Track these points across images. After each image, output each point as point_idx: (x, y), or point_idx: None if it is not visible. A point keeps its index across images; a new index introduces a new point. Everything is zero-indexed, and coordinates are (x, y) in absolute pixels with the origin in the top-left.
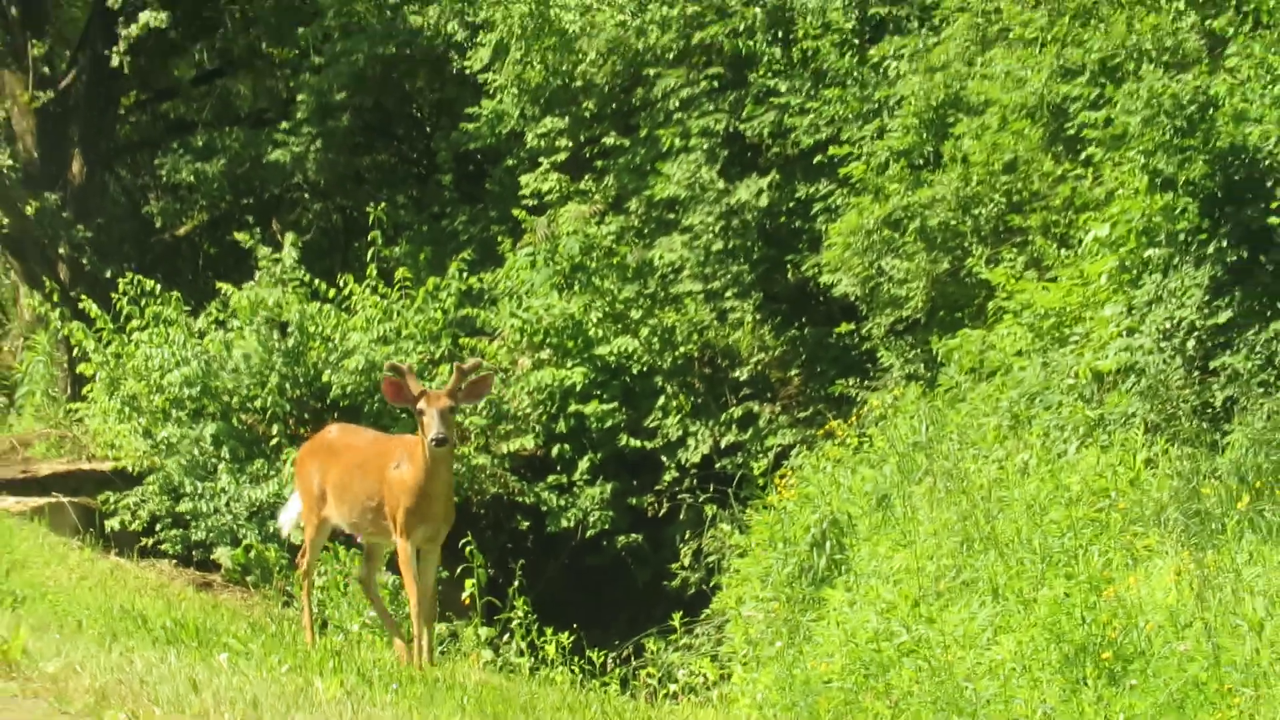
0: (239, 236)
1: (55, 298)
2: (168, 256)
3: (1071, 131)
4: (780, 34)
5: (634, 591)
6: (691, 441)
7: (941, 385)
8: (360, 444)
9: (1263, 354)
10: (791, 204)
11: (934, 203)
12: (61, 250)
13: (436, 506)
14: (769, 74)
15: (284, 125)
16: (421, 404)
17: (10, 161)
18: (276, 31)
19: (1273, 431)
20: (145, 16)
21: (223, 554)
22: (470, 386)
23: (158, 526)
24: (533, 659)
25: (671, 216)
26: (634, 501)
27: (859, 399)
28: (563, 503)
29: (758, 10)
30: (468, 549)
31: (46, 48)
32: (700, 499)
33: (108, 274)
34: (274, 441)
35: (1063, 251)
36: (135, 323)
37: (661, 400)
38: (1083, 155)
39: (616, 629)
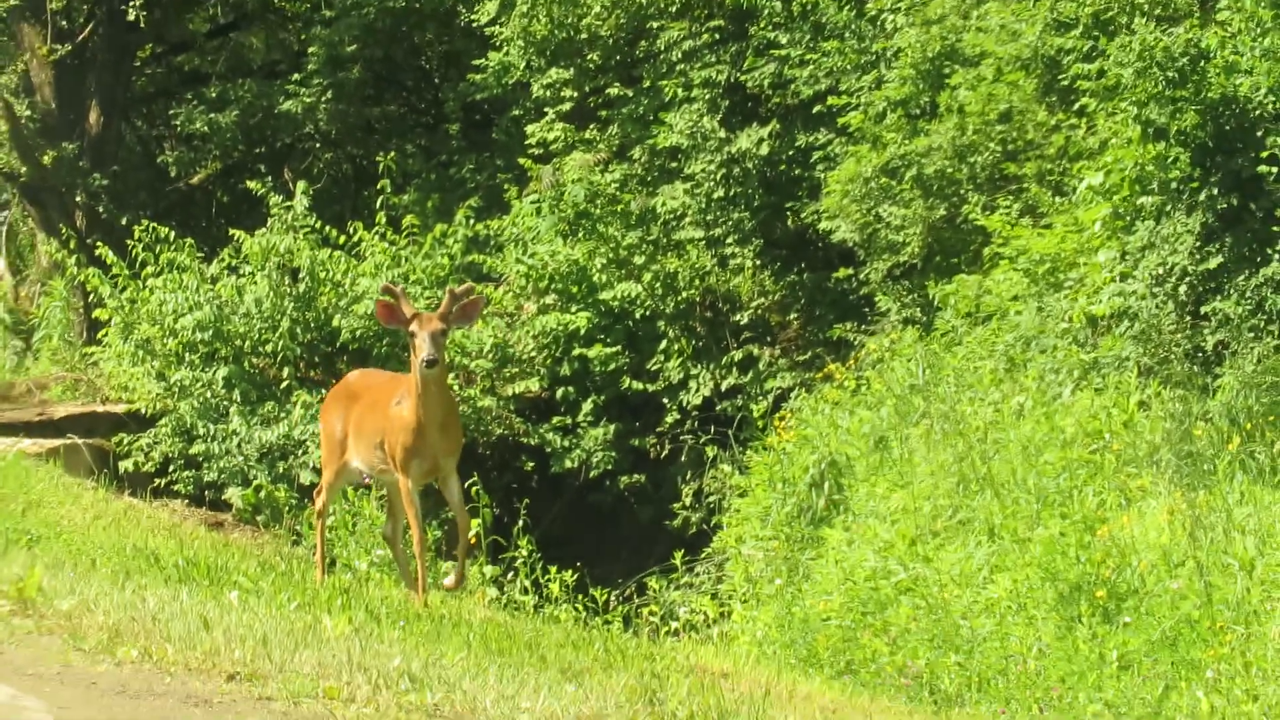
0: (251, 185)
1: (72, 244)
2: (182, 204)
3: (1065, 83)
4: None
5: (636, 531)
6: (693, 384)
7: (938, 329)
8: (375, 384)
9: (1253, 299)
10: (791, 153)
11: (930, 151)
12: (79, 198)
13: (432, 438)
14: (769, 26)
15: (295, 77)
16: (413, 326)
17: (29, 112)
18: None
19: (1263, 374)
20: None
21: (234, 494)
22: (461, 309)
23: (170, 467)
24: (537, 597)
25: (674, 165)
26: (636, 443)
27: (857, 342)
28: (566, 444)
29: None
30: (474, 489)
31: (65, 1)
32: (701, 440)
33: (123, 221)
34: (284, 384)
35: (1057, 199)
36: (150, 269)
37: (664, 344)
38: (1076, 106)
39: (619, 568)
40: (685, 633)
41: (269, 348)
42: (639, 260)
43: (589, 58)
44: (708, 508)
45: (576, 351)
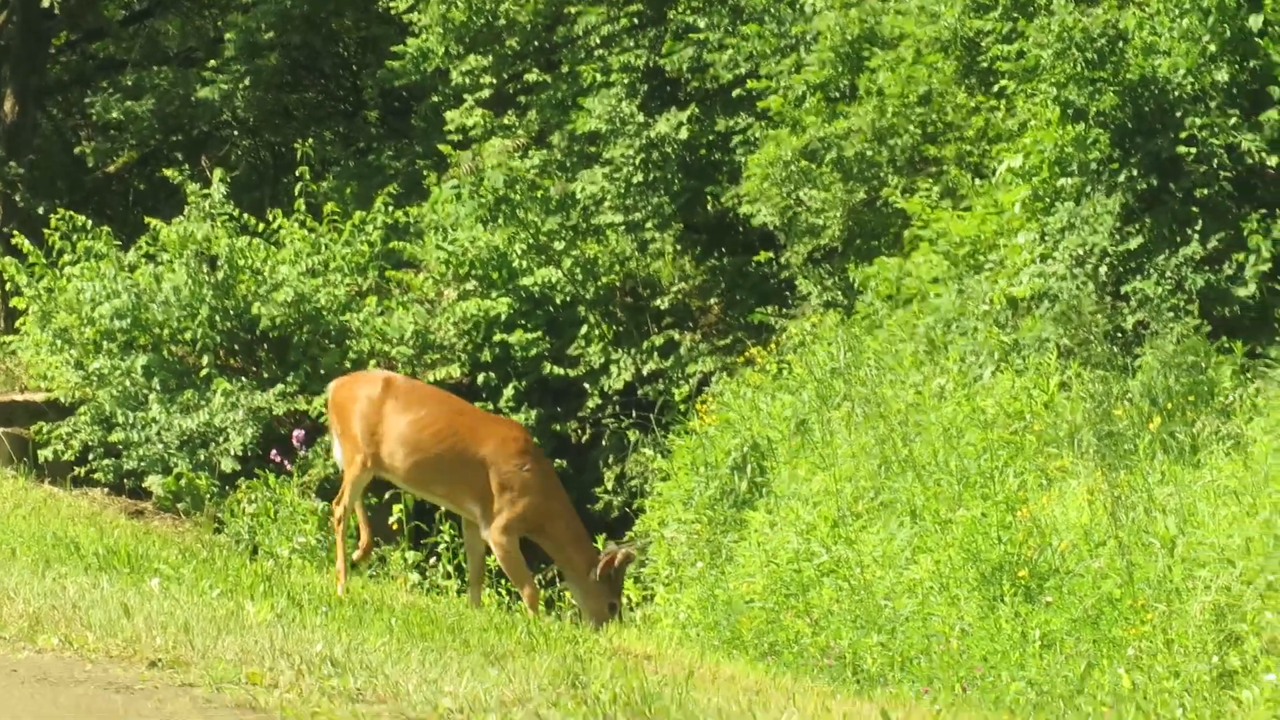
0: (168, 173)
1: None
2: (99, 193)
3: (984, 64)
4: None
5: None
6: (614, 369)
7: (859, 312)
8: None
9: (1172, 279)
10: (711, 137)
11: (850, 134)
12: None
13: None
14: (688, 10)
15: (212, 63)
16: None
17: None
18: None
19: (1183, 354)
20: None
21: (154, 482)
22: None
23: (90, 456)
24: (459, 581)
25: (593, 150)
26: (558, 428)
27: (778, 326)
28: None
29: None
30: None
31: None
32: (623, 425)
33: (40, 210)
34: (204, 372)
35: (977, 181)
36: (67, 257)
37: (584, 329)
38: (995, 88)
39: (541, 552)
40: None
41: (188, 336)
42: (559, 246)
43: (507, 44)
44: (630, 492)
45: (497, 337)
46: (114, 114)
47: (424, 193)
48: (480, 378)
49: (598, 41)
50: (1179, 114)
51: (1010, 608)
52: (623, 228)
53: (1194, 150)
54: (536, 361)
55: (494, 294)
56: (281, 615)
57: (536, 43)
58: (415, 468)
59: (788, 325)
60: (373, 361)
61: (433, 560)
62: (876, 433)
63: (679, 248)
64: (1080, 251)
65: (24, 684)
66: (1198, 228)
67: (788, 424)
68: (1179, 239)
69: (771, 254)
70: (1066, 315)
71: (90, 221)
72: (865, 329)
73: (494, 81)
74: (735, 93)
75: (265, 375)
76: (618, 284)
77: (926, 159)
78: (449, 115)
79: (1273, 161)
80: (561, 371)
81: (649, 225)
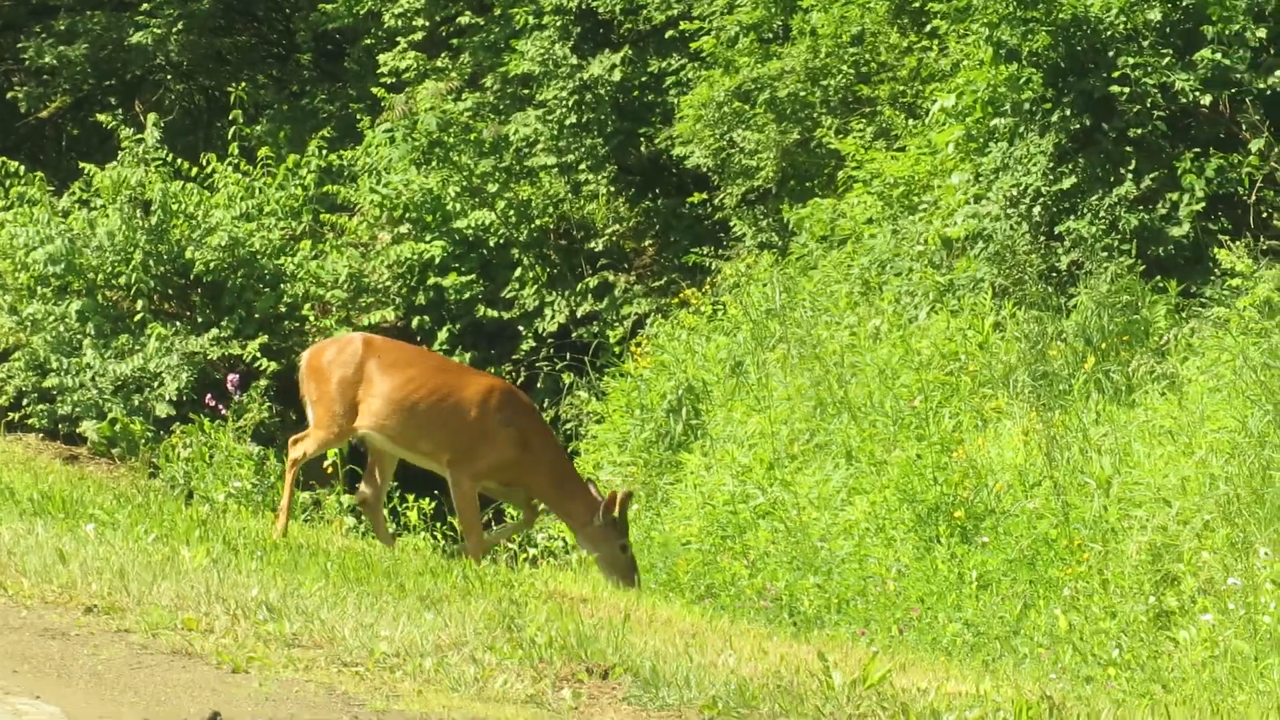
0: (102, 118)
1: None
2: (32, 138)
3: (917, 4)
4: None
5: None
6: (548, 311)
7: (793, 253)
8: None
9: (1106, 219)
10: (644, 78)
11: (783, 75)
12: None
13: None
14: None
15: (145, 7)
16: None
17: None
18: None
19: (1117, 294)
20: None
21: (89, 428)
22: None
23: (24, 401)
24: (395, 525)
25: (526, 92)
26: (492, 371)
27: (712, 268)
28: None
29: None
30: None
31: None
32: (557, 367)
33: None
34: (138, 317)
35: (910, 121)
36: (0, 203)
37: (518, 272)
38: (928, 28)
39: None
40: (544, 559)
41: (122, 281)
42: (492, 188)
43: None
44: (565, 435)
45: (431, 280)
46: (47, 59)
47: (358, 136)
48: (415, 321)
49: None
50: (1112, 53)
51: (946, 549)
52: (556, 170)
53: (1127, 90)
54: (470, 304)
55: (428, 237)
56: (217, 560)
57: None
58: (403, 427)
59: (722, 267)
60: (306, 305)
61: None
62: (812, 374)
63: (613, 190)
64: (1014, 192)
65: None
66: (1131, 167)
67: (723, 366)
68: (1113, 179)
69: (705, 195)
70: (1001, 255)
71: (23, 167)
72: (800, 270)
73: (427, 24)
74: (668, 34)
75: (200, 320)
76: (551, 226)
77: (860, 99)
78: (382, 58)
79: (1206, 101)
80: (495, 314)
81: (582, 167)
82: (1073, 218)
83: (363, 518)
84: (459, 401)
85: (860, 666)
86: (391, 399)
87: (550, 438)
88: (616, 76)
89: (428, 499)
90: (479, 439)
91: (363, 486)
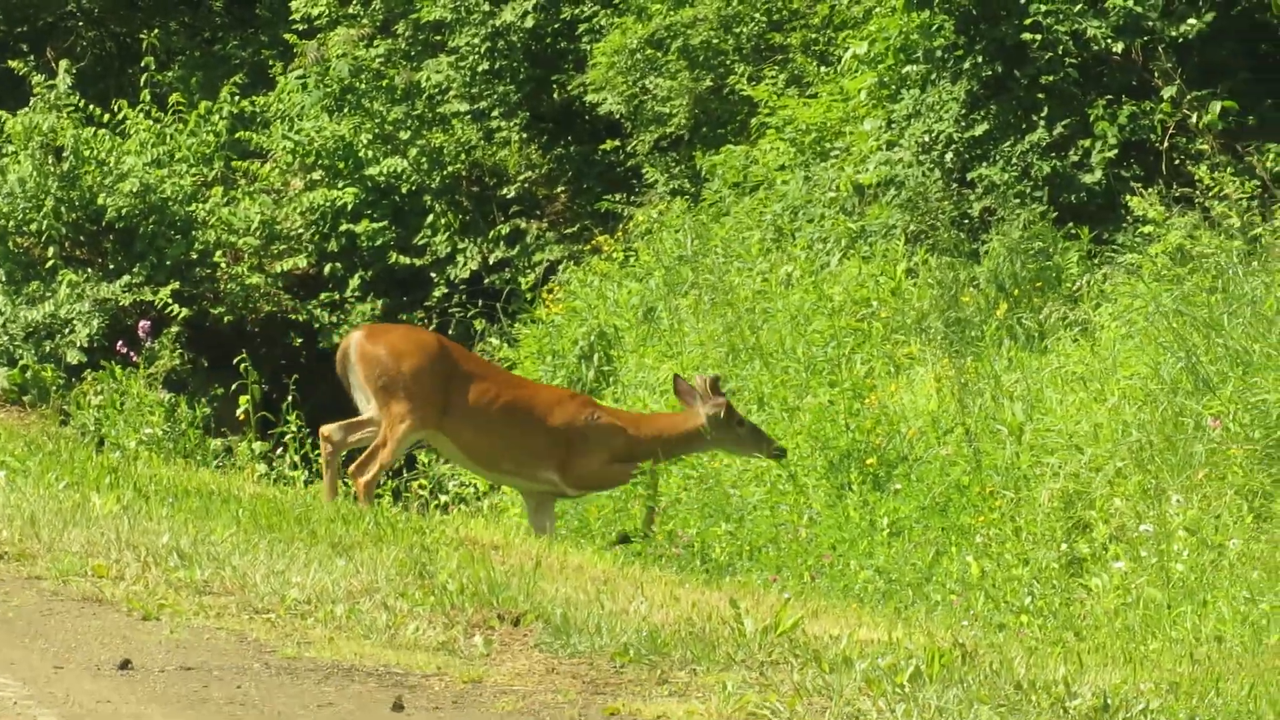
0: (13, 64)
1: None
2: None
3: None
4: None
5: None
6: (460, 258)
7: (706, 200)
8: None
9: (1018, 165)
10: (556, 25)
11: (696, 22)
12: None
13: None
14: None
15: None
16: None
17: None
18: None
19: (1029, 240)
20: None
21: None
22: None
23: None
24: (307, 472)
25: (438, 38)
26: (404, 317)
27: (625, 214)
28: (334, 319)
29: None
30: (242, 366)
31: None
32: (470, 314)
33: None
34: (50, 264)
35: (823, 68)
36: None
37: (430, 219)
38: None
39: None
40: (455, 506)
41: (33, 227)
42: (404, 135)
43: None
44: None
45: (343, 227)
46: None
47: (270, 82)
48: (327, 268)
49: None
50: (1024, 0)
51: (858, 495)
52: (468, 116)
53: (1039, 37)
54: (383, 251)
55: (340, 184)
56: (128, 507)
57: None
58: (484, 443)
59: (635, 213)
60: (219, 252)
61: (280, 451)
62: (724, 320)
63: (525, 136)
64: (926, 138)
65: None
66: (1044, 114)
67: (635, 312)
68: (1025, 125)
69: (618, 142)
70: (913, 202)
71: None
72: (712, 216)
73: None
74: None
75: (111, 266)
76: (464, 173)
77: (773, 46)
78: (294, 4)
79: (1118, 48)
80: (408, 261)
81: (495, 114)
82: (985, 164)
83: (273, 464)
84: (539, 416)
85: (772, 613)
86: (469, 410)
87: (614, 415)
88: (529, 23)
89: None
90: (580, 445)
91: (335, 430)
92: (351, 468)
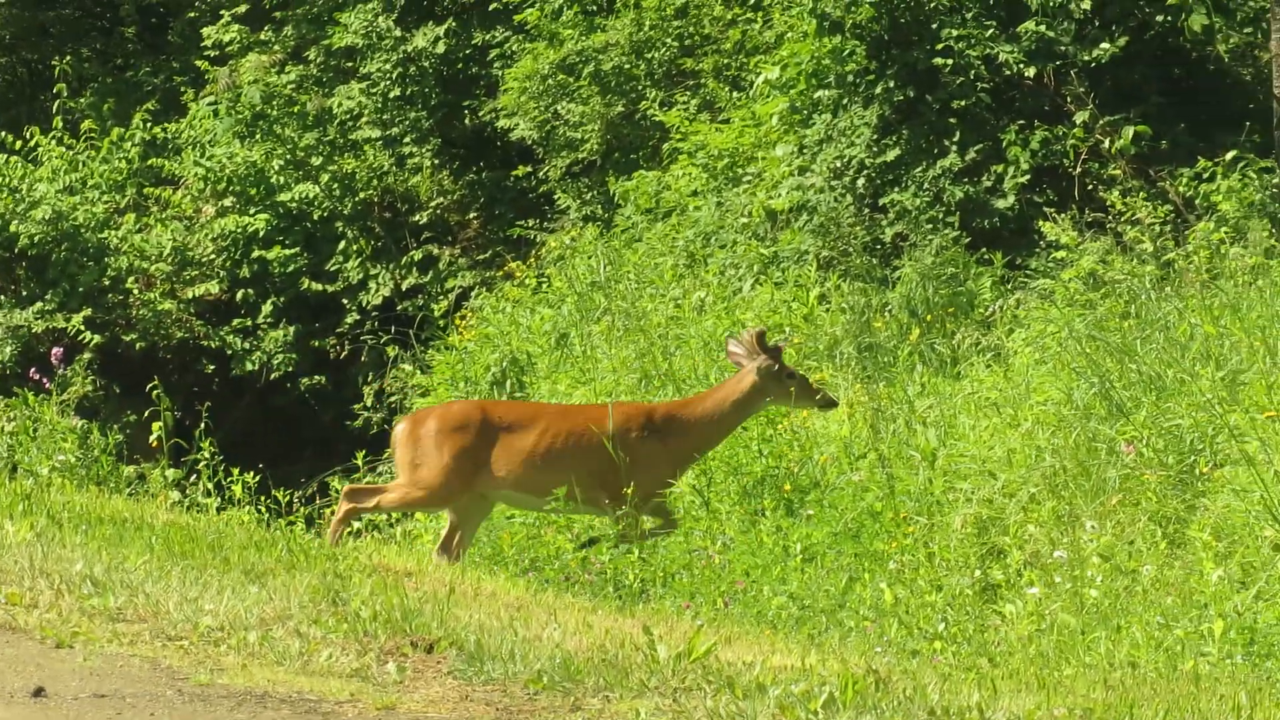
0: None
1: None
2: None
3: None
4: None
5: (318, 432)
6: (373, 285)
7: (618, 226)
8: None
9: (930, 191)
10: (468, 51)
11: (608, 48)
12: None
13: None
14: None
15: None
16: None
17: None
18: None
19: (941, 266)
20: None
21: None
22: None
23: None
24: (220, 499)
25: (350, 65)
26: (317, 344)
27: (537, 240)
28: (247, 346)
29: None
30: (154, 392)
31: None
32: (382, 341)
33: None
34: None
35: (735, 94)
36: None
37: (342, 245)
38: (752, 0)
39: (302, 469)
40: (368, 533)
41: None
42: (316, 161)
43: None
44: (389, 408)
45: (256, 253)
46: None
47: (182, 109)
48: (239, 294)
49: None
50: (935, 25)
51: (772, 521)
52: (380, 143)
53: (951, 62)
54: (295, 277)
55: (252, 210)
56: (41, 534)
57: None
58: (538, 476)
59: (547, 239)
60: (131, 279)
61: (193, 478)
62: (637, 346)
63: (437, 162)
64: (838, 164)
65: None
66: (956, 139)
67: (547, 338)
68: (937, 151)
69: (530, 168)
70: (825, 227)
71: None
72: (625, 242)
73: None
74: (492, 6)
75: (24, 293)
76: (376, 199)
77: (684, 72)
78: (206, 31)
79: (1030, 72)
80: (320, 287)
81: (407, 140)
82: (897, 190)
83: (186, 491)
84: (591, 439)
85: (686, 640)
86: (522, 451)
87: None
88: (440, 49)
89: (252, 473)
90: (633, 465)
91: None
92: (347, 487)
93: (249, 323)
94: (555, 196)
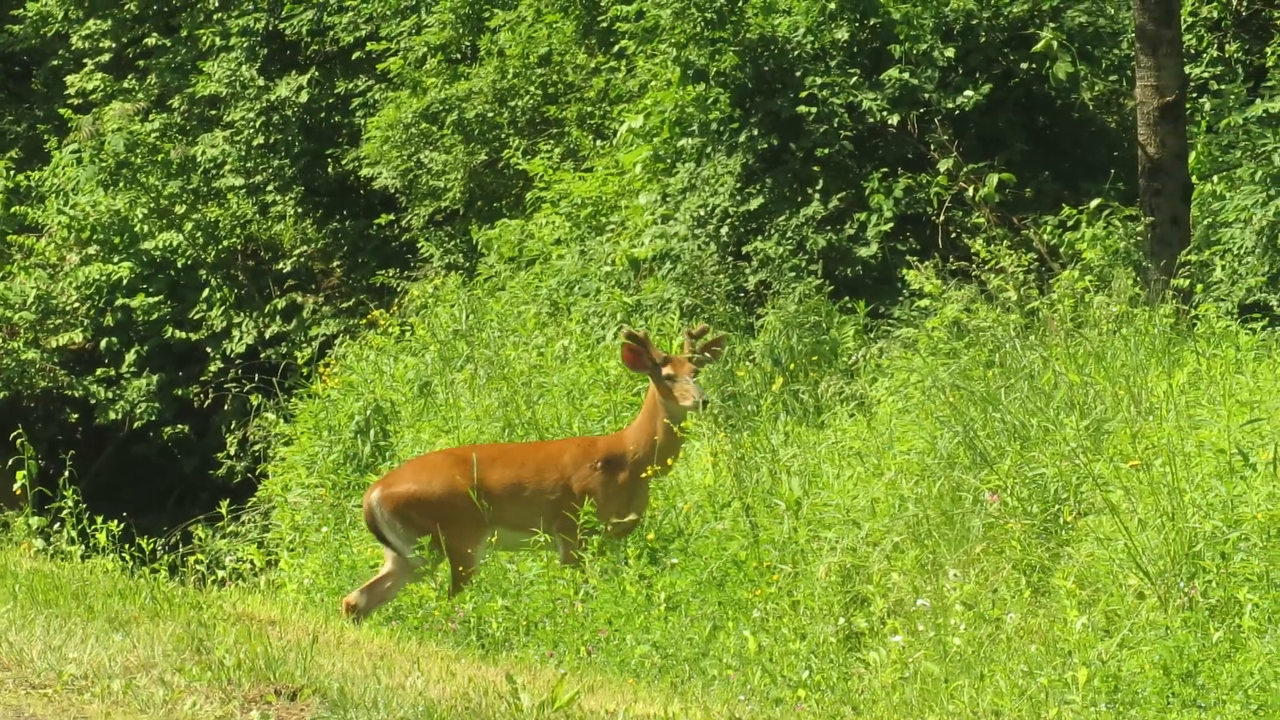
0: None
1: None
2: None
3: (605, 24)
4: None
5: (182, 480)
6: (236, 333)
7: (481, 274)
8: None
9: (794, 239)
10: (331, 100)
11: (471, 96)
12: None
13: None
14: None
15: None
16: (668, 370)
17: None
18: None
19: (805, 314)
20: None
21: None
22: (707, 348)
23: None
24: (84, 547)
25: (214, 113)
26: (180, 392)
27: (400, 289)
28: (110, 395)
29: None
30: (18, 441)
31: None
32: (245, 389)
33: None
34: None
35: (598, 142)
36: None
37: (206, 293)
38: (616, 48)
39: (165, 517)
40: (232, 581)
41: None
42: (180, 209)
43: (126, 7)
44: (253, 456)
45: (119, 301)
46: None
47: (45, 157)
48: (103, 343)
49: (216, 5)
50: (799, 73)
51: (635, 570)
52: (244, 191)
53: (814, 109)
54: (159, 325)
55: (116, 258)
56: None
57: (156, 6)
58: (524, 510)
59: (410, 288)
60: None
61: (57, 526)
62: (500, 394)
63: (300, 210)
64: (702, 212)
65: None
66: (819, 187)
67: (411, 387)
68: (800, 199)
69: (393, 216)
70: (689, 276)
71: None
72: (488, 291)
73: (114, 45)
74: (355, 55)
75: None
76: (239, 247)
77: (548, 120)
78: (70, 79)
79: (894, 120)
80: (184, 335)
81: (270, 188)
82: (760, 238)
83: (50, 539)
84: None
85: (549, 688)
86: (511, 487)
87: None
88: (304, 98)
89: (116, 521)
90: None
91: (358, 597)
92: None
93: (112, 371)
94: (418, 245)
